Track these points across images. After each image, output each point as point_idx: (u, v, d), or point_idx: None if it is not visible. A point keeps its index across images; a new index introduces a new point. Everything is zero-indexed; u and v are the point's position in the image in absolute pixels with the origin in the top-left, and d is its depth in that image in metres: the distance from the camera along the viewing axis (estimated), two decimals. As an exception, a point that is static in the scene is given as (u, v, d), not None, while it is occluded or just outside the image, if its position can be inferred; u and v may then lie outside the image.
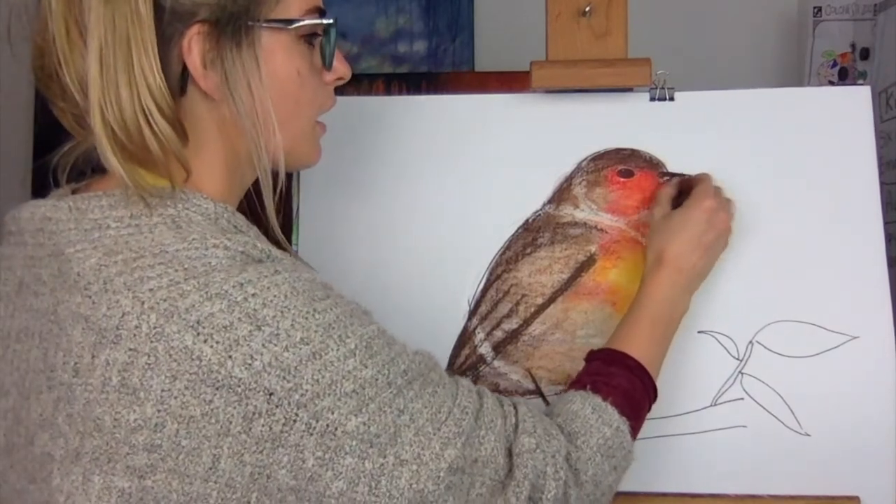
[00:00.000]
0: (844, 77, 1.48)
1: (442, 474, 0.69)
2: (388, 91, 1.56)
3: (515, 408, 0.78)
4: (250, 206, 0.80)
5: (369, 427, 0.67)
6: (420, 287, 1.03)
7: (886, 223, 1.00)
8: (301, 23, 0.74)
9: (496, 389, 1.01)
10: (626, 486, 0.98)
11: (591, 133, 1.04)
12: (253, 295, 0.66)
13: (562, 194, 1.03)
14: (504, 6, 1.60)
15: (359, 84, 1.57)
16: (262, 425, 0.65)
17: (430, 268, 1.03)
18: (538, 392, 1.00)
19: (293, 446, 0.65)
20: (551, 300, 1.01)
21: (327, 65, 0.79)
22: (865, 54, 1.46)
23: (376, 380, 0.68)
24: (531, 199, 1.03)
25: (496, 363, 1.01)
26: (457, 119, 1.06)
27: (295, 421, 0.65)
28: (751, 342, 0.99)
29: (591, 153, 1.04)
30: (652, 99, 1.04)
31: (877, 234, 0.99)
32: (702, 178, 0.98)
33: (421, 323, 1.02)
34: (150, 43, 0.68)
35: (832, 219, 1.00)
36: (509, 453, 0.75)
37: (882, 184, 1.01)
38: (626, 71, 1.00)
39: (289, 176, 1.06)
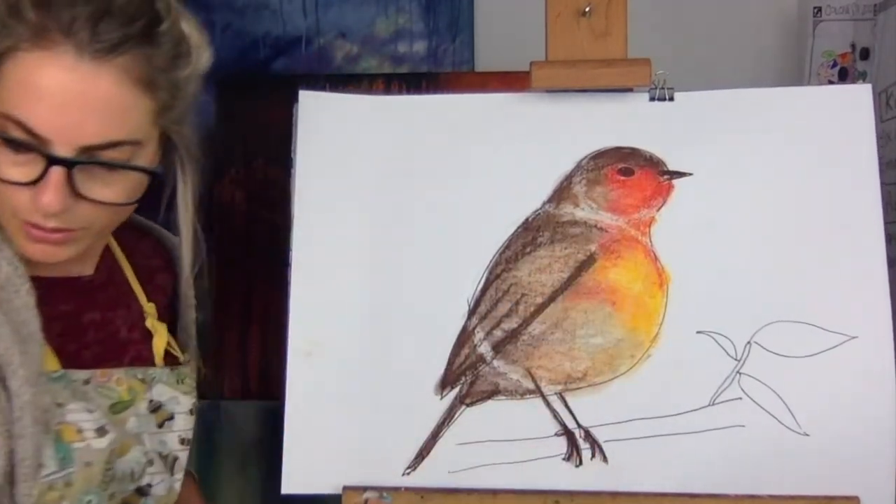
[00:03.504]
0: (844, 77, 1.48)
1: None
2: (388, 91, 1.55)
3: None
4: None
5: None
6: (419, 286, 1.03)
7: (886, 223, 0.99)
8: None
9: (496, 389, 1.01)
10: (624, 485, 0.98)
11: (591, 133, 1.04)
12: None
13: (562, 193, 1.03)
14: (504, 6, 1.59)
15: (359, 84, 1.57)
16: None
17: (430, 267, 1.03)
18: (538, 391, 1.00)
19: None
20: (551, 299, 1.01)
21: None
22: (865, 54, 1.46)
23: None
24: (531, 198, 1.03)
25: (496, 363, 1.01)
26: (457, 119, 1.06)
27: None
28: (749, 342, 0.99)
29: (590, 153, 1.04)
30: (652, 99, 1.04)
31: (877, 234, 0.99)
32: None
33: (420, 322, 1.02)
34: None
35: (832, 219, 1.00)
36: None
37: (882, 184, 1.01)
38: (626, 71, 1.00)
39: (288, 174, 1.06)
